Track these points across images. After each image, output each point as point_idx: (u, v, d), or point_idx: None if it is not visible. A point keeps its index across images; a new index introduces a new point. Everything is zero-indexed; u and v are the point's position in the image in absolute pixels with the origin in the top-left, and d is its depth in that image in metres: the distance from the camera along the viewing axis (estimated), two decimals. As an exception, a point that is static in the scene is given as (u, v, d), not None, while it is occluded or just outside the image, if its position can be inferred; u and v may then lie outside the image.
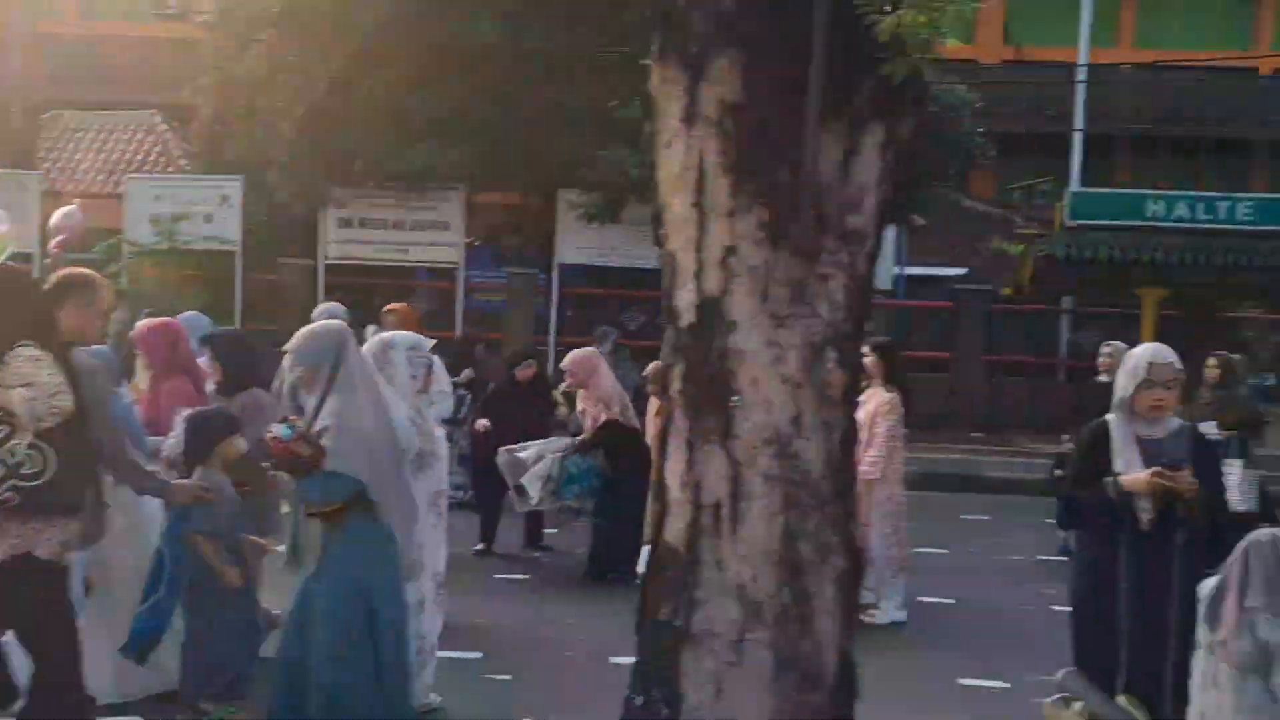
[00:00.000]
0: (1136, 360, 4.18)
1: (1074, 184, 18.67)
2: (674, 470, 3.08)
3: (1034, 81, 24.18)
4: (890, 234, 17.45)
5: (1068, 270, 14.56)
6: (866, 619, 6.91)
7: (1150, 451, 4.12)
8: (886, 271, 17.37)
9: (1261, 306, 17.36)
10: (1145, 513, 4.10)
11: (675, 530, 3.06)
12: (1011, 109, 24.59)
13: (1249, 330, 17.32)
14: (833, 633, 3.02)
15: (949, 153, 18.45)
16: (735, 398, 3.03)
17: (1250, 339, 16.95)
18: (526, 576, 8.01)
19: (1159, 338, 14.44)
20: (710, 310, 3.06)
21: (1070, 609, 4.35)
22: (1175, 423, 4.22)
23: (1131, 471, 4.11)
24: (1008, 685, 5.65)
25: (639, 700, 3.00)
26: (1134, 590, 4.12)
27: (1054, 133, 21.20)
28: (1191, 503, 4.03)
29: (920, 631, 6.94)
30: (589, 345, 9.41)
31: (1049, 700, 4.15)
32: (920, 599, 7.63)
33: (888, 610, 6.98)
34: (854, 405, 3.21)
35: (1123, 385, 4.21)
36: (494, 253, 18.07)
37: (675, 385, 3.11)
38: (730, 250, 3.07)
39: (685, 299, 3.11)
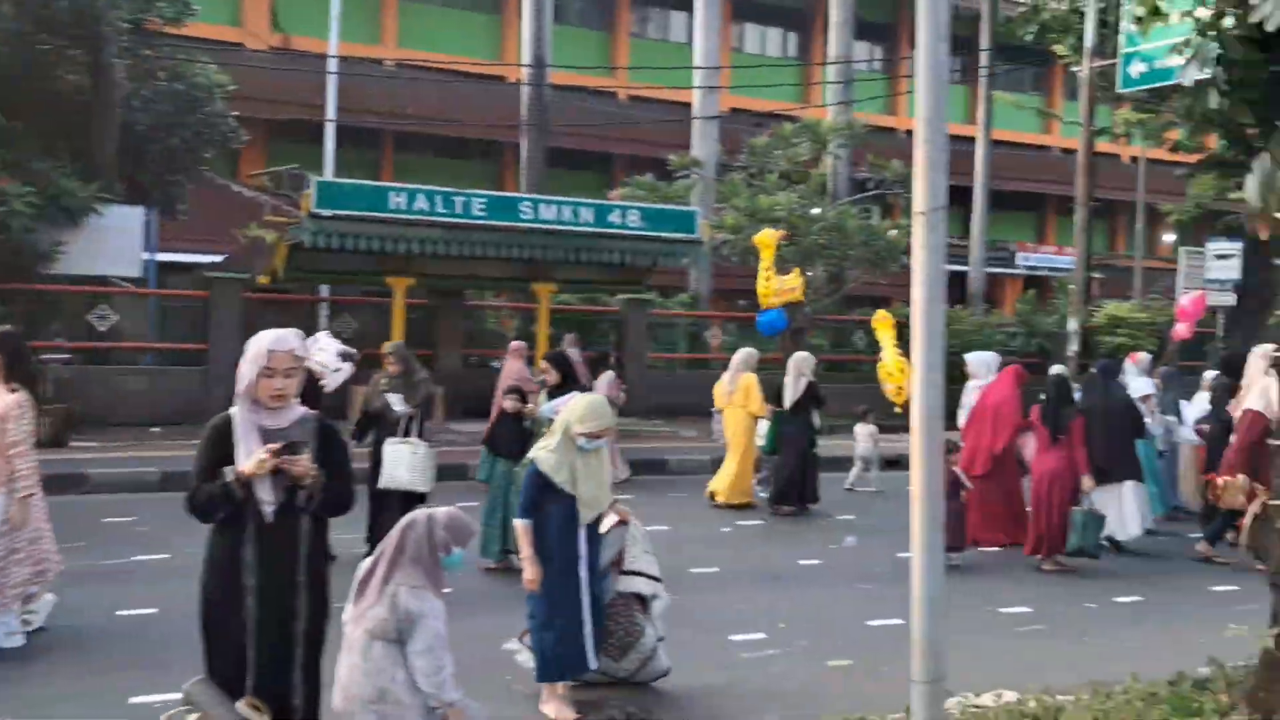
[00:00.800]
0: (257, 348, 4.01)
1: (328, 173, 18.95)
2: None
3: (301, 70, 24.25)
4: (139, 218, 16.29)
5: (318, 259, 14.65)
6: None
7: (273, 441, 4.00)
8: (135, 258, 16.17)
9: (499, 295, 19.04)
10: (269, 505, 3.98)
11: None
12: (280, 96, 24.44)
13: (492, 316, 18.89)
14: None
15: (201, 135, 17.77)
16: None
17: (491, 325, 18.51)
18: None
19: (408, 325, 15.15)
20: None
21: (199, 613, 4.08)
22: (299, 411, 4.14)
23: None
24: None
25: None
26: (260, 585, 3.99)
27: (320, 122, 21.35)
28: (312, 488, 3.99)
29: (101, 649, 6.34)
30: None
31: (167, 714, 3.86)
32: (119, 612, 7.05)
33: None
34: None
35: (245, 374, 4.03)
36: None
37: None
38: None
39: None
